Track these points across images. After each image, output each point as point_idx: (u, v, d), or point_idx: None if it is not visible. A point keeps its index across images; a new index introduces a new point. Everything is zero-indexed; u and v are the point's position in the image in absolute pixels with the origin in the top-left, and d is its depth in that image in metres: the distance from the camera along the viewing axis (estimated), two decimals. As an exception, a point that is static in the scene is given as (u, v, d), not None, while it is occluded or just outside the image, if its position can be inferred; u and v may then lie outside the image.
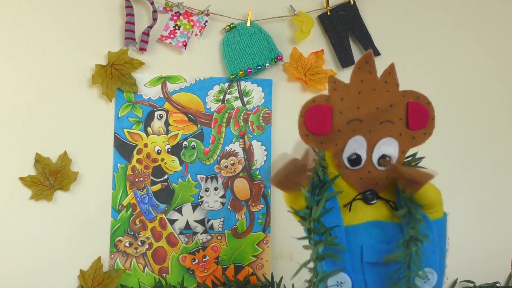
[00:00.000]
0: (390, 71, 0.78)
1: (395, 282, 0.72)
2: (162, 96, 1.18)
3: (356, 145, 0.77)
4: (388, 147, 0.77)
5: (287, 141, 1.19)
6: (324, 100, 0.76)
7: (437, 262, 0.76)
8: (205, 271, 1.18)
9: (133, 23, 1.15)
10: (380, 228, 0.78)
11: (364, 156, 0.77)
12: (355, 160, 0.77)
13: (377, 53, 1.22)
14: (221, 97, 1.20)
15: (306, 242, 0.78)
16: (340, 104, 0.76)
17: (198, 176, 1.19)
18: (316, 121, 0.76)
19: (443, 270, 0.79)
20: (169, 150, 1.18)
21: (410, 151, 0.81)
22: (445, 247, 0.79)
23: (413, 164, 0.81)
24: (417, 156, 0.82)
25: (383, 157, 0.77)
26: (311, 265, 0.75)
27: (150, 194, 1.17)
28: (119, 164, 1.17)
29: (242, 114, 1.21)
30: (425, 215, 0.76)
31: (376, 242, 0.77)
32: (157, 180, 1.18)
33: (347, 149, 0.77)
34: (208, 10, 1.19)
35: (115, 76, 1.15)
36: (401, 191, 0.77)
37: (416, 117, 0.78)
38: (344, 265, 0.75)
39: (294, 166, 0.73)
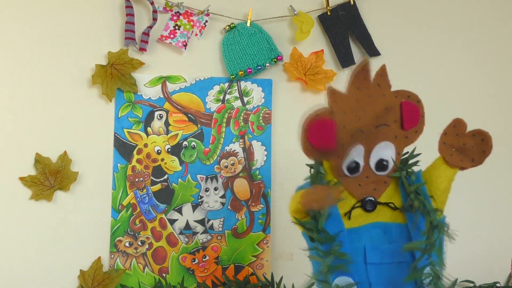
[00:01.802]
0: (382, 72, 0.79)
1: (419, 268, 0.72)
2: (162, 96, 1.18)
3: (355, 153, 0.77)
4: (385, 151, 0.78)
5: (287, 141, 1.20)
6: (327, 113, 0.76)
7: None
8: (205, 271, 1.18)
9: (133, 23, 1.15)
10: (382, 229, 0.78)
11: (361, 163, 0.77)
12: (354, 168, 0.77)
13: (377, 53, 1.22)
14: (221, 97, 1.20)
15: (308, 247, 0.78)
16: (342, 118, 0.76)
17: (198, 176, 1.19)
18: (321, 138, 0.75)
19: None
20: (169, 150, 1.18)
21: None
22: (443, 248, 0.79)
23: (410, 161, 0.81)
24: (413, 153, 0.82)
25: (380, 161, 0.78)
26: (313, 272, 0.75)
27: (150, 194, 1.17)
28: (119, 164, 1.17)
29: (242, 114, 1.21)
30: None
31: (379, 243, 0.78)
32: (157, 180, 1.18)
33: (347, 159, 0.77)
34: (208, 10, 1.19)
35: (115, 76, 1.15)
36: (408, 185, 0.77)
37: (409, 116, 0.79)
38: (351, 277, 0.75)
39: (330, 194, 0.73)
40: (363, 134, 0.77)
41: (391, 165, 0.78)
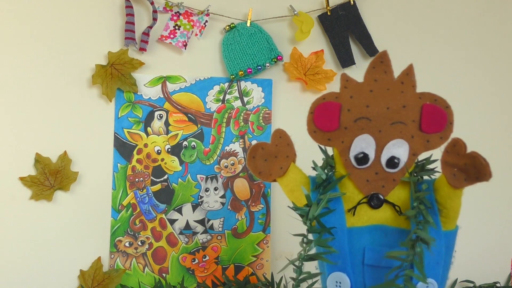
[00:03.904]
0: (408, 72, 0.76)
1: (392, 278, 0.71)
2: (162, 96, 1.18)
3: (364, 144, 0.76)
4: (398, 148, 0.76)
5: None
6: (333, 97, 0.76)
7: (439, 274, 0.75)
8: (205, 271, 1.18)
9: (133, 23, 1.15)
10: (384, 232, 0.78)
11: (372, 156, 0.76)
12: (361, 158, 0.76)
13: (377, 53, 1.21)
14: (221, 97, 1.20)
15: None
16: (348, 102, 0.76)
17: (198, 176, 1.19)
18: (323, 118, 0.76)
19: (445, 282, 0.78)
20: (169, 150, 1.18)
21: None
22: (450, 259, 0.78)
23: (427, 167, 0.79)
24: (430, 160, 0.79)
25: (392, 159, 0.76)
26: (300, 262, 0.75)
27: (150, 194, 1.17)
28: (119, 164, 1.17)
29: (242, 114, 1.21)
30: (438, 222, 0.74)
31: (379, 246, 0.77)
32: (157, 180, 1.18)
33: (354, 147, 0.76)
34: (208, 10, 1.19)
35: (115, 76, 1.15)
36: (414, 192, 0.75)
37: (431, 120, 0.75)
38: (344, 268, 0.75)
39: (262, 151, 0.75)
40: (371, 123, 0.76)
41: (402, 163, 0.76)
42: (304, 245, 0.74)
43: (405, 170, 0.77)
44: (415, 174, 0.78)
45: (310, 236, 0.75)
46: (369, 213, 0.78)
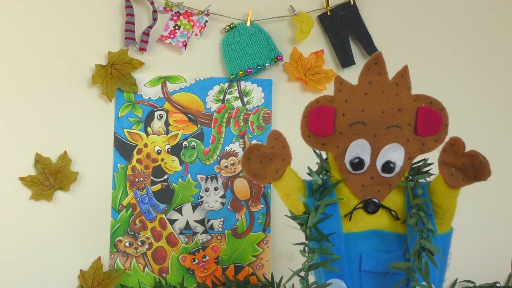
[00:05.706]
0: (403, 73, 0.75)
1: None
2: (162, 96, 1.18)
3: (359, 149, 0.75)
4: (393, 153, 0.75)
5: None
6: (328, 101, 0.75)
7: (436, 277, 0.75)
8: (205, 271, 1.18)
9: (133, 23, 1.15)
10: (381, 238, 0.77)
11: (367, 161, 0.76)
12: (357, 164, 0.75)
13: (377, 53, 1.22)
14: (221, 97, 1.20)
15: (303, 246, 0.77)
16: (343, 106, 0.74)
17: (198, 176, 1.19)
18: (318, 122, 0.74)
19: (442, 285, 0.78)
20: (169, 150, 1.18)
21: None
22: (446, 262, 0.78)
23: (423, 170, 0.78)
24: (426, 163, 0.79)
25: (387, 163, 0.75)
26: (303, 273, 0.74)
27: (150, 194, 1.17)
28: (119, 164, 1.17)
29: (242, 114, 1.21)
30: (434, 226, 0.74)
31: (376, 251, 0.76)
32: (157, 180, 1.18)
33: (349, 152, 0.75)
34: (208, 10, 1.19)
35: (115, 76, 1.15)
36: (412, 198, 0.74)
37: (426, 123, 0.74)
38: (341, 274, 0.74)
39: (257, 152, 0.75)
40: (366, 128, 0.75)
41: (397, 168, 0.76)
42: (307, 254, 0.73)
43: (401, 174, 0.76)
44: (410, 178, 0.77)
45: (310, 244, 0.75)
46: (365, 218, 0.77)
